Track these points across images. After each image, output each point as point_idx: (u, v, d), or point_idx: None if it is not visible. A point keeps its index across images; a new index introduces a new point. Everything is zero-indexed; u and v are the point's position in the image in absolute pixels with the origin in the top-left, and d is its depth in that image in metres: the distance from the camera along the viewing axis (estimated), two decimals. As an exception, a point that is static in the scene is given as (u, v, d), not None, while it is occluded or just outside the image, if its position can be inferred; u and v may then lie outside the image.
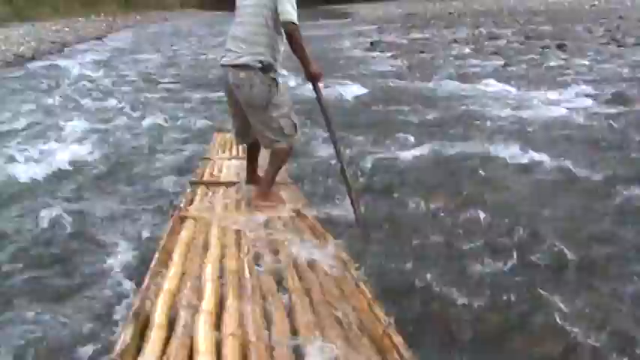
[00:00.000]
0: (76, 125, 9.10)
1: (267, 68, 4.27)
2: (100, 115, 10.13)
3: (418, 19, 35.02)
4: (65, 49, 25.79)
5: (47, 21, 36.40)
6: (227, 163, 5.83)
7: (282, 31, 4.26)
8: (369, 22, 37.06)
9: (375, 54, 19.67)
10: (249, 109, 4.42)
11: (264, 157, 4.92)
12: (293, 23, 4.18)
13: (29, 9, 38.83)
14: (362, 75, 14.39)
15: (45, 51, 23.83)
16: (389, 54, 19.05)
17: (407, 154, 6.77)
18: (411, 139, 7.47)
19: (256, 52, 4.27)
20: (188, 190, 4.97)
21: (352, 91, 11.58)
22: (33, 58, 21.62)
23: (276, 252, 3.50)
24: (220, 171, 5.58)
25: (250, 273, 3.15)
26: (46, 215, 4.92)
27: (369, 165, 6.34)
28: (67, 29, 32.25)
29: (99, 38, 31.37)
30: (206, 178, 5.37)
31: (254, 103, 4.36)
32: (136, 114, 10.21)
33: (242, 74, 4.28)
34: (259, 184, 4.68)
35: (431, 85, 12.33)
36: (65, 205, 5.28)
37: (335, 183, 5.33)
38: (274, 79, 4.35)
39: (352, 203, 4.45)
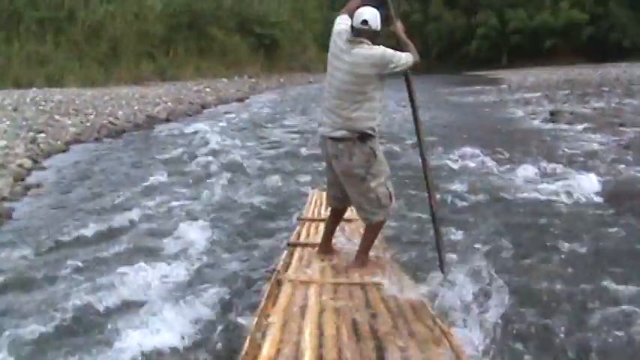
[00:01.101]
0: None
1: (365, 137, 4.27)
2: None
3: (585, 86, 30.19)
4: (204, 110, 24.11)
5: (190, 81, 35.18)
6: (322, 224, 5.39)
7: (383, 85, 4.36)
8: (528, 88, 33.06)
9: (562, 126, 15.95)
10: (348, 179, 4.41)
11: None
12: (406, 70, 4.46)
13: (173, 68, 38.10)
14: (570, 157, 10.92)
15: (182, 112, 22.05)
16: (580, 127, 15.36)
17: None
18: None
19: (354, 123, 4.26)
20: (285, 251, 4.93)
21: (584, 186, 8.21)
22: (167, 120, 19.34)
23: (373, 319, 3.46)
24: (317, 232, 5.43)
25: (349, 340, 3.15)
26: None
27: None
28: (208, 89, 30.33)
29: (240, 100, 29.40)
30: (302, 239, 5.30)
31: (353, 173, 4.35)
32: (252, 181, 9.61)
33: (340, 145, 4.30)
34: (357, 254, 4.61)
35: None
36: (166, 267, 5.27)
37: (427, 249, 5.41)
38: (372, 148, 4.33)
39: (438, 246, 4.50)
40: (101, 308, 4.47)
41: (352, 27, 4.39)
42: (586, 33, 59.56)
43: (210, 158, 11.17)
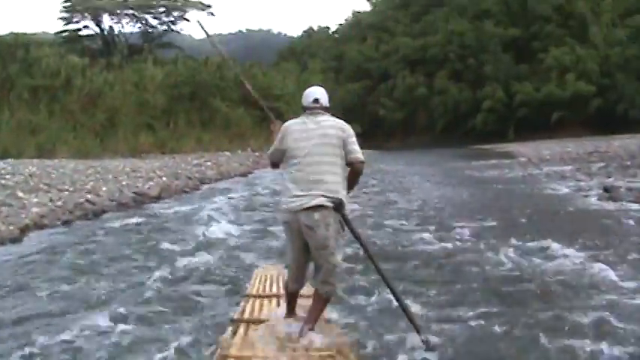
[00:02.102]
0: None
1: (339, 207, 4.28)
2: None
3: (616, 158, 27.27)
4: (203, 186, 21.28)
5: (191, 154, 32.36)
6: (266, 300, 5.57)
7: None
8: (551, 161, 30.37)
9: (628, 205, 12.92)
10: (322, 252, 4.31)
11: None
12: (363, 162, 4.48)
13: (173, 140, 35.56)
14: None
15: (178, 188, 19.15)
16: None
17: None
18: None
19: (330, 192, 4.27)
20: (229, 328, 4.86)
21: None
22: (158, 198, 16.17)
23: None
24: (261, 309, 5.35)
25: None
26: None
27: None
28: (209, 163, 27.55)
29: (244, 175, 26.54)
30: (247, 316, 5.18)
31: (328, 245, 4.28)
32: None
33: (316, 215, 4.23)
34: (304, 323, 4.49)
35: None
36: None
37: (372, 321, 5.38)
38: (341, 219, 4.33)
39: (414, 325, 4.53)
40: None
41: (304, 108, 4.60)
42: (594, 105, 57.29)
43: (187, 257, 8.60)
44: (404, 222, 12.12)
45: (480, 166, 30.18)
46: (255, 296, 5.78)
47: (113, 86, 35.04)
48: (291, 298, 4.80)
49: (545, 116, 58.26)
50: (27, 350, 4.89)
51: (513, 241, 9.06)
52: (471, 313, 5.78)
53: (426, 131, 70.57)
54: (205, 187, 21.05)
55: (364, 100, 75.82)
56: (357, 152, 4.38)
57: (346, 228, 4.40)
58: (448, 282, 7.12)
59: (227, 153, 35.69)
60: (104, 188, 15.57)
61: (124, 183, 17.28)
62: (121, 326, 5.51)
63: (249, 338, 4.55)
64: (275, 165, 4.71)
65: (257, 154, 37.80)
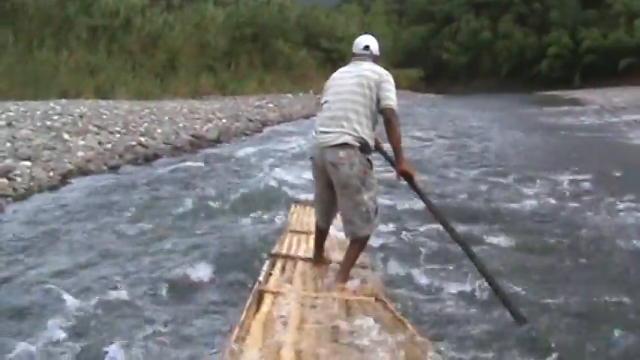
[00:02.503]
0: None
1: (365, 148, 4.19)
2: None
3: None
4: (265, 128, 20.05)
5: (251, 96, 30.82)
6: (304, 237, 5.40)
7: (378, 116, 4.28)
8: (627, 110, 27.76)
9: None
10: (344, 190, 4.21)
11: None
12: (393, 110, 4.22)
13: (235, 82, 33.93)
14: None
15: (238, 131, 17.91)
16: None
17: None
18: None
19: (357, 131, 4.16)
20: (267, 262, 4.65)
21: None
22: (217, 141, 14.78)
23: (353, 334, 3.29)
24: (298, 245, 5.22)
25: (328, 352, 3.02)
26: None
27: None
28: (270, 105, 26.32)
29: (306, 117, 24.96)
30: (284, 251, 5.02)
31: (350, 183, 4.16)
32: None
33: (342, 153, 4.14)
34: (340, 268, 4.35)
35: None
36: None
37: (409, 268, 5.02)
38: (369, 160, 4.25)
39: (512, 313, 3.87)
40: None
41: (353, 54, 4.54)
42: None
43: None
44: (483, 172, 10.62)
45: (553, 112, 28.34)
46: (292, 232, 5.62)
47: (173, 27, 33.40)
48: (318, 237, 4.69)
49: (612, 63, 55.52)
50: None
51: (613, 199, 7.37)
52: (578, 298, 4.45)
53: (490, 76, 68.70)
54: (267, 129, 19.82)
55: (427, 44, 74.15)
56: (389, 99, 4.20)
57: (373, 171, 4.28)
58: (546, 250, 5.73)
59: (289, 95, 34.21)
60: (159, 130, 14.26)
61: (180, 125, 15.95)
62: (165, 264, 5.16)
63: (286, 274, 4.44)
64: None
65: (319, 96, 36.20)
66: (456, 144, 15.57)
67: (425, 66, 67.62)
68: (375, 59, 4.46)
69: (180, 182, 9.26)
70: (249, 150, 13.41)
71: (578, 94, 46.18)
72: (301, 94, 36.14)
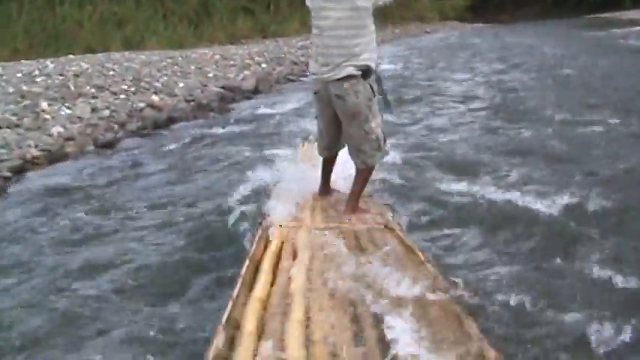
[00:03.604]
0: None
1: (367, 73, 3.89)
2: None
3: None
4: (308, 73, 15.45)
5: (294, 37, 27.31)
6: (313, 170, 4.85)
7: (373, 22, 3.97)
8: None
9: None
10: (352, 120, 3.96)
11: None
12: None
13: (275, 24, 30.36)
14: None
15: (281, 76, 14.71)
16: None
17: None
18: None
19: (357, 59, 3.85)
20: (273, 194, 4.42)
21: None
22: (255, 91, 11.52)
23: (365, 262, 3.14)
24: (307, 178, 4.77)
25: (339, 281, 2.93)
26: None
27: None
28: (315, 46, 21.70)
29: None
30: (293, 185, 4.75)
31: (359, 111, 3.90)
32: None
33: (345, 84, 3.86)
34: (348, 199, 4.09)
35: None
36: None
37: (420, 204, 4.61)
38: (372, 86, 3.95)
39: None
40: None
41: None
42: None
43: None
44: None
45: (616, 34, 24.32)
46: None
47: (206, -32, 29.88)
48: (325, 166, 4.39)
49: None
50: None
51: None
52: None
53: (536, 2, 62.51)
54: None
55: None
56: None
57: (376, 97, 3.97)
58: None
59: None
60: (181, 84, 10.88)
61: (210, 75, 12.53)
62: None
63: (294, 207, 4.12)
64: None
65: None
66: (561, 78, 11.87)
67: (470, -5, 63.11)
68: None
69: (191, 166, 5.98)
70: (293, 100, 9.99)
71: (631, 14, 41.62)
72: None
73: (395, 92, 9.66)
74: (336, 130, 4.08)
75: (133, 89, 9.77)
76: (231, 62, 15.09)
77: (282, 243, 3.46)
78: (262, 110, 9.47)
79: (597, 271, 3.30)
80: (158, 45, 22.79)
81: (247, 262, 3.11)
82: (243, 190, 4.85)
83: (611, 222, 4.02)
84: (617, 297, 3.07)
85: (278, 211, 3.99)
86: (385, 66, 15.81)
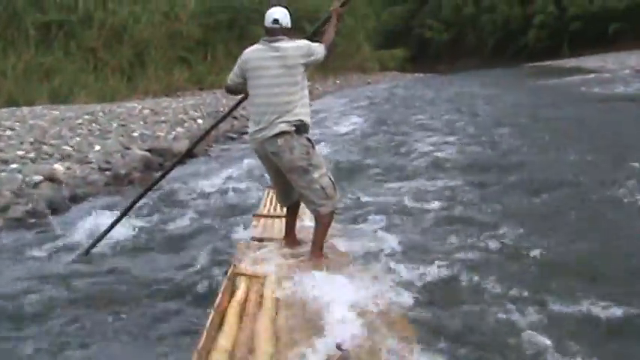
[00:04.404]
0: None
1: (301, 129, 3.99)
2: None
3: None
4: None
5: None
6: (277, 220, 5.12)
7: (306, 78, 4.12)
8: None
9: None
10: (292, 174, 4.03)
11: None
12: (323, 55, 4.14)
13: (212, 75, 28.96)
14: None
15: (218, 134, 12.74)
16: None
17: None
18: None
19: (290, 116, 3.94)
20: (240, 245, 4.52)
21: None
22: (188, 155, 9.19)
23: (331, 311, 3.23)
24: (272, 227, 5.05)
25: (306, 332, 2.94)
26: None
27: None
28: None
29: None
30: (258, 234, 4.87)
31: (296, 166, 3.98)
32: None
33: (280, 141, 3.95)
34: (311, 248, 4.11)
35: None
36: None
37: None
38: (309, 140, 4.05)
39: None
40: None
41: (265, 29, 4.16)
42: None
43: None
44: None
45: (569, 83, 23.91)
46: (266, 216, 5.41)
47: (140, 18, 28.07)
48: (288, 215, 4.47)
49: (600, 29, 51.28)
50: None
51: None
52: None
53: (474, 52, 64.44)
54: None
55: (410, 23, 69.92)
56: (319, 54, 4.08)
57: (316, 149, 4.08)
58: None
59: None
60: (97, 147, 8.87)
61: (135, 134, 10.56)
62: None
63: (261, 256, 4.16)
64: (232, 92, 4.39)
65: (309, 83, 30.98)
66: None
67: (408, 46, 63.94)
68: (286, 32, 4.09)
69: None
70: (234, 165, 8.12)
71: (572, 62, 41.97)
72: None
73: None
74: (286, 182, 4.11)
75: (31, 155, 7.73)
76: (162, 118, 13.22)
77: (248, 293, 3.46)
78: (195, 183, 7.53)
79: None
80: (88, 97, 20.96)
81: (212, 312, 3.07)
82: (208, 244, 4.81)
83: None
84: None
85: (243, 261, 3.96)
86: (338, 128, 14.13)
